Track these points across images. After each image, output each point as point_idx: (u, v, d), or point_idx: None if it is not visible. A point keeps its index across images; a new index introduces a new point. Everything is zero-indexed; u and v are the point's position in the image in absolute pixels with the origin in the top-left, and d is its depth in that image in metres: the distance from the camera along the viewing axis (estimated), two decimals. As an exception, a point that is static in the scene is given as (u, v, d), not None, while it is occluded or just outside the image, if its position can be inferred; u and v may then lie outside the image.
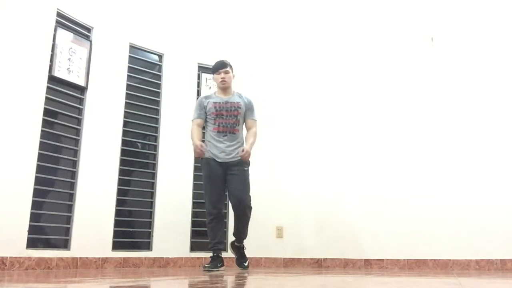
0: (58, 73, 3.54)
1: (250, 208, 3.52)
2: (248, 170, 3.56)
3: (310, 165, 4.40)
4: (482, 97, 4.03)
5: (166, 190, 4.15)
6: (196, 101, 3.79)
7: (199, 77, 4.58)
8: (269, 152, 4.44)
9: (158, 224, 4.06)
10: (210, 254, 3.49)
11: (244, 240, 3.66)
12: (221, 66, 3.61)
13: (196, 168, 4.37)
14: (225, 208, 3.64)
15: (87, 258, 3.52)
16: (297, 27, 4.77)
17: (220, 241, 3.47)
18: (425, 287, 1.95)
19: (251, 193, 3.57)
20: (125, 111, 4.02)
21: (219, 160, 3.50)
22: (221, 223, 3.50)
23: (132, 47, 4.20)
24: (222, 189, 3.51)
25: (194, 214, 4.29)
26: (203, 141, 3.63)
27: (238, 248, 3.68)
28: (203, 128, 3.68)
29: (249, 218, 3.55)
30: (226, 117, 3.56)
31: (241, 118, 3.62)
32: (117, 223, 3.83)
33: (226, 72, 3.60)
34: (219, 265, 3.41)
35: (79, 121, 3.70)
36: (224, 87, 3.62)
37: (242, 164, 3.51)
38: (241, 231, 3.56)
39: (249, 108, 3.65)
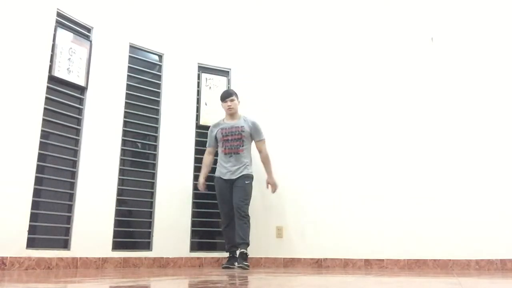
0: (58, 73, 3.55)
1: (246, 215, 3.94)
2: (250, 183, 4.05)
3: (310, 165, 4.40)
4: (482, 96, 4.03)
5: (166, 190, 4.15)
6: (208, 130, 4.29)
7: (199, 77, 4.59)
8: (269, 153, 4.44)
9: (158, 224, 4.06)
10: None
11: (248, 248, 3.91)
12: (227, 96, 4.15)
13: (196, 168, 4.38)
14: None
15: (87, 258, 3.52)
16: (298, 26, 4.77)
17: (234, 244, 3.98)
18: (425, 287, 1.95)
19: (252, 198, 4.07)
20: (125, 111, 4.02)
21: (225, 178, 4.05)
22: (233, 229, 3.99)
23: (132, 47, 4.20)
24: (231, 203, 4.01)
25: (194, 214, 4.29)
26: (213, 169, 4.23)
27: (242, 255, 3.82)
28: (216, 154, 4.25)
29: (247, 225, 3.93)
30: (231, 141, 4.09)
31: (246, 139, 4.11)
32: (117, 223, 3.83)
33: (232, 100, 4.13)
34: (235, 263, 3.87)
35: (79, 121, 3.70)
36: (231, 113, 4.16)
37: (244, 178, 4.02)
38: (242, 235, 3.87)
39: (254, 130, 4.14)
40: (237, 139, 4.08)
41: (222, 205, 4.07)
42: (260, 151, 4.15)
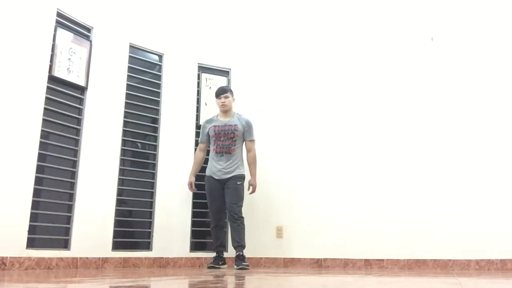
0: (58, 73, 3.55)
1: (240, 217, 3.92)
2: (241, 184, 4.00)
3: (310, 165, 4.40)
4: (483, 96, 4.02)
5: (166, 190, 4.15)
6: (201, 126, 4.25)
7: (199, 77, 4.59)
8: (269, 153, 4.45)
9: (158, 224, 4.06)
10: (212, 254, 4.05)
11: (244, 250, 3.87)
12: (222, 92, 4.08)
13: (196, 168, 4.37)
14: (225, 218, 4.11)
15: (87, 258, 3.52)
16: (297, 26, 4.77)
17: (222, 244, 4.03)
18: (425, 287, 1.95)
19: (248, 199, 4.07)
20: (125, 111, 4.02)
21: (216, 178, 3.99)
22: (222, 229, 4.07)
23: (132, 47, 4.19)
24: (221, 202, 4.00)
25: (194, 214, 4.29)
26: (203, 168, 4.18)
27: (239, 257, 3.80)
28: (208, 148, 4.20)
29: (241, 227, 3.92)
30: (224, 139, 4.03)
31: (239, 139, 4.06)
32: (117, 223, 3.83)
33: (226, 97, 4.05)
34: (220, 263, 3.93)
35: (79, 121, 3.70)
36: (225, 110, 4.09)
37: (236, 179, 3.98)
38: (237, 238, 3.87)
39: (247, 129, 4.08)
40: (229, 138, 4.01)
41: (212, 204, 4.02)
42: (249, 151, 4.09)
